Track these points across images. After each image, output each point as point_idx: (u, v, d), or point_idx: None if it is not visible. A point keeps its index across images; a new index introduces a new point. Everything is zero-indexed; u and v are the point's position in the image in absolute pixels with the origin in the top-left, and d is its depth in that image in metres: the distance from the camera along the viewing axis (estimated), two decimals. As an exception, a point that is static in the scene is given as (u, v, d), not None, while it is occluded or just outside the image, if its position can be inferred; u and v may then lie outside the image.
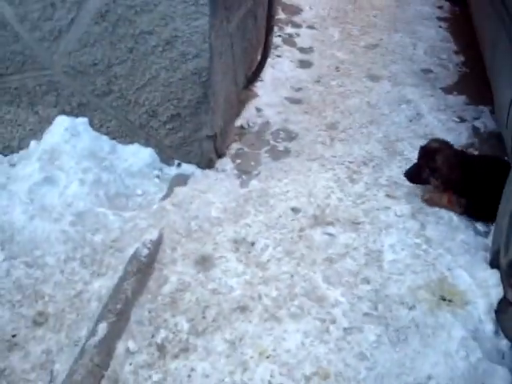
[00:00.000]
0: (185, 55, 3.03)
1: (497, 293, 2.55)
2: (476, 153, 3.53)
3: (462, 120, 3.89)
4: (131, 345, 2.32)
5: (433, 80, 4.43)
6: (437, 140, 3.29)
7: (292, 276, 2.64)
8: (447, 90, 4.30)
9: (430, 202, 3.14)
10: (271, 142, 3.64)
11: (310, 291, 2.57)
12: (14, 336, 2.38)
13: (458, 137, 3.69)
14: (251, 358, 2.28)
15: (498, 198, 2.80)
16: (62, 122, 3.24)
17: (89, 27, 3.07)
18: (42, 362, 2.28)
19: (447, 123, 3.87)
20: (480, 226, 3.03)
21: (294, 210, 3.03)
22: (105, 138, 3.28)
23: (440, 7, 5.72)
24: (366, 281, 2.64)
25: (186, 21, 2.95)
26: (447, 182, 3.11)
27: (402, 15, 5.49)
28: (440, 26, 5.30)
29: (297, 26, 5.13)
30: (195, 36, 2.97)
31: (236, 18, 3.55)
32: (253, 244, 2.81)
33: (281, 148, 3.59)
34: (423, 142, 3.28)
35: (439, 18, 5.47)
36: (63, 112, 3.27)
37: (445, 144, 3.23)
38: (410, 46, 4.93)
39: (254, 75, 4.03)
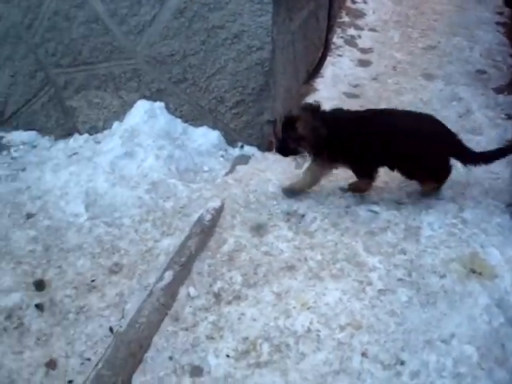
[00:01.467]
0: (250, 47, 3.36)
1: (525, 269, 2.71)
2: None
3: (510, 117, 3.99)
4: (192, 291, 2.65)
5: (485, 80, 4.56)
6: (304, 107, 3.19)
7: (336, 244, 2.90)
8: (499, 90, 4.41)
9: (356, 190, 3.25)
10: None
11: (351, 257, 2.82)
12: (92, 281, 2.75)
13: (504, 132, 3.82)
14: (294, 308, 2.56)
15: None
16: (142, 106, 3.65)
17: (168, 22, 3.44)
18: (115, 302, 2.63)
19: (494, 120, 3.98)
20: (517, 211, 3.20)
21: (342, 189, 3.29)
22: (178, 120, 3.67)
23: (500, 13, 5.79)
24: (403, 252, 2.86)
25: (252, 17, 3.29)
26: (316, 144, 3.07)
27: (462, 20, 5.61)
28: (498, 31, 5.39)
29: (359, 28, 5.37)
30: (259, 30, 3.30)
31: (299, 17, 3.86)
32: (303, 216, 3.11)
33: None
34: (470, 137, 3.39)
35: (498, 23, 5.55)
36: (143, 96, 3.67)
37: (306, 108, 3.13)
38: (466, 48, 5.05)
39: (315, 71, 4.30)
